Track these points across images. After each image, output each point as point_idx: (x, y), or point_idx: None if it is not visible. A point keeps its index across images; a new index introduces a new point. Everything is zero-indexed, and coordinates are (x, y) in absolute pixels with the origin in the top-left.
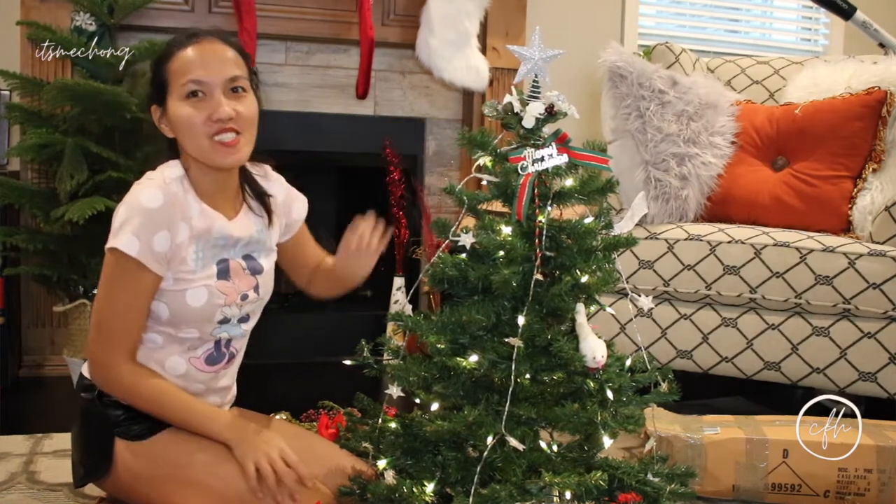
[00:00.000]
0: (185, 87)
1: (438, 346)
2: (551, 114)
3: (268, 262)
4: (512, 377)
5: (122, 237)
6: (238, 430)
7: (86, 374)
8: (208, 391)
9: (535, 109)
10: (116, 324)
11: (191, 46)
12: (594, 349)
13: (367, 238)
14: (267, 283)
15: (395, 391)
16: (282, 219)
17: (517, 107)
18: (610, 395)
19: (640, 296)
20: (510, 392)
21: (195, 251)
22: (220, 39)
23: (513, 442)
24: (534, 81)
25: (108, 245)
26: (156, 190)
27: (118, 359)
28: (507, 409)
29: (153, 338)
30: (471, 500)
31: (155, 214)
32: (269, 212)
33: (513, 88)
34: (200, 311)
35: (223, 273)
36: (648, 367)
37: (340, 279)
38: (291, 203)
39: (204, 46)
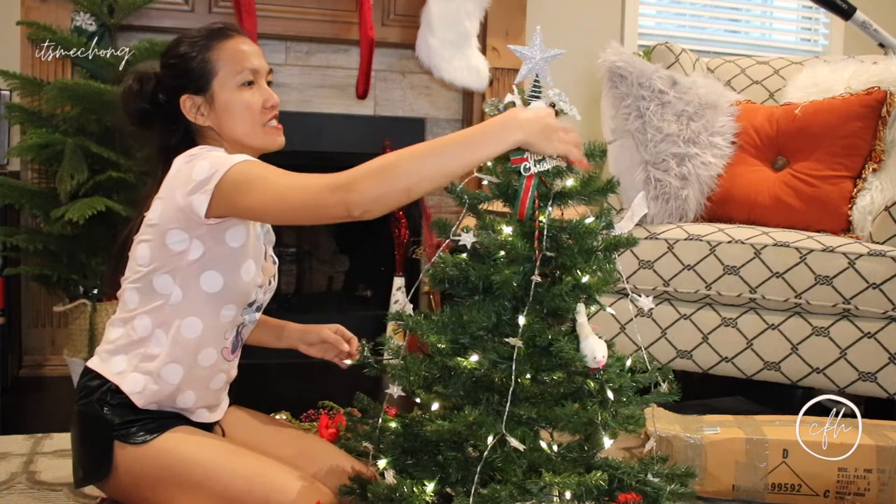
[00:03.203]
0: (243, 75)
1: (439, 345)
2: None
3: (274, 257)
4: (512, 377)
5: (238, 157)
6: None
7: (92, 367)
8: (227, 381)
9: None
10: (296, 180)
11: (234, 39)
12: (594, 349)
13: (344, 356)
14: (276, 276)
15: (395, 391)
16: None
17: (518, 106)
18: (610, 395)
19: (640, 296)
20: (510, 392)
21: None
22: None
23: (513, 442)
24: (535, 81)
25: (227, 169)
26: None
27: (328, 183)
28: (507, 409)
29: (193, 325)
30: (471, 499)
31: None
32: None
33: (514, 88)
34: (246, 285)
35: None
36: (648, 367)
37: (267, 344)
38: None
39: (245, 40)
